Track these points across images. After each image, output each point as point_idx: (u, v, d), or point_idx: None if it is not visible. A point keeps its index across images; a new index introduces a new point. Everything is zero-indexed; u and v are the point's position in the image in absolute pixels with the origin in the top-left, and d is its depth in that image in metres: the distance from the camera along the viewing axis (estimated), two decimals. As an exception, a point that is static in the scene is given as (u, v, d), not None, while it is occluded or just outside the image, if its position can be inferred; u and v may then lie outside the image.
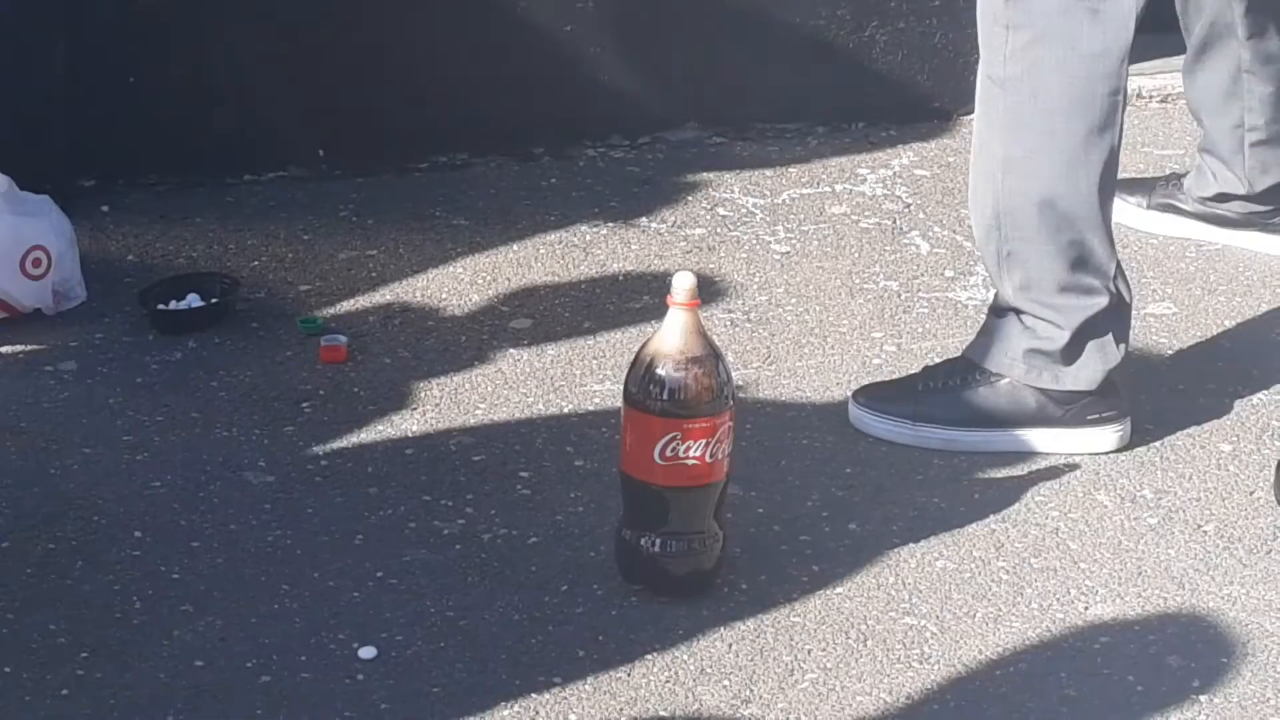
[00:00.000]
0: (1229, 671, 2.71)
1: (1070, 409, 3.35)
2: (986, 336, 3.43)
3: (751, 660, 2.68)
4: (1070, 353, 3.33)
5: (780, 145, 4.19)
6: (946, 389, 3.41)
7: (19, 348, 3.35)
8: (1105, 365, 3.33)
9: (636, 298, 3.51)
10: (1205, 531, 3.02)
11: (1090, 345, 3.33)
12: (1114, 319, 3.33)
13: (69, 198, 3.54)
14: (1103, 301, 3.29)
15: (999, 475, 3.17)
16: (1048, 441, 3.35)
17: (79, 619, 2.69)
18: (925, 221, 3.94)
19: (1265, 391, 3.31)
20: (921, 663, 2.69)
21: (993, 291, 3.40)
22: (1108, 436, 3.36)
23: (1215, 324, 3.65)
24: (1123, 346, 3.36)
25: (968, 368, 3.43)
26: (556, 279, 3.66)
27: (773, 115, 4.23)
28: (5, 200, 3.37)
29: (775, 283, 3.69)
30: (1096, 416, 3.34)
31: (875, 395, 3.45)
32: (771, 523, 2.99)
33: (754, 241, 3.83)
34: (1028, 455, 3.23)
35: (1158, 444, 3.25)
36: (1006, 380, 3.38)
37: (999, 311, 3.38)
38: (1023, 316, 3.33)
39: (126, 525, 2.91)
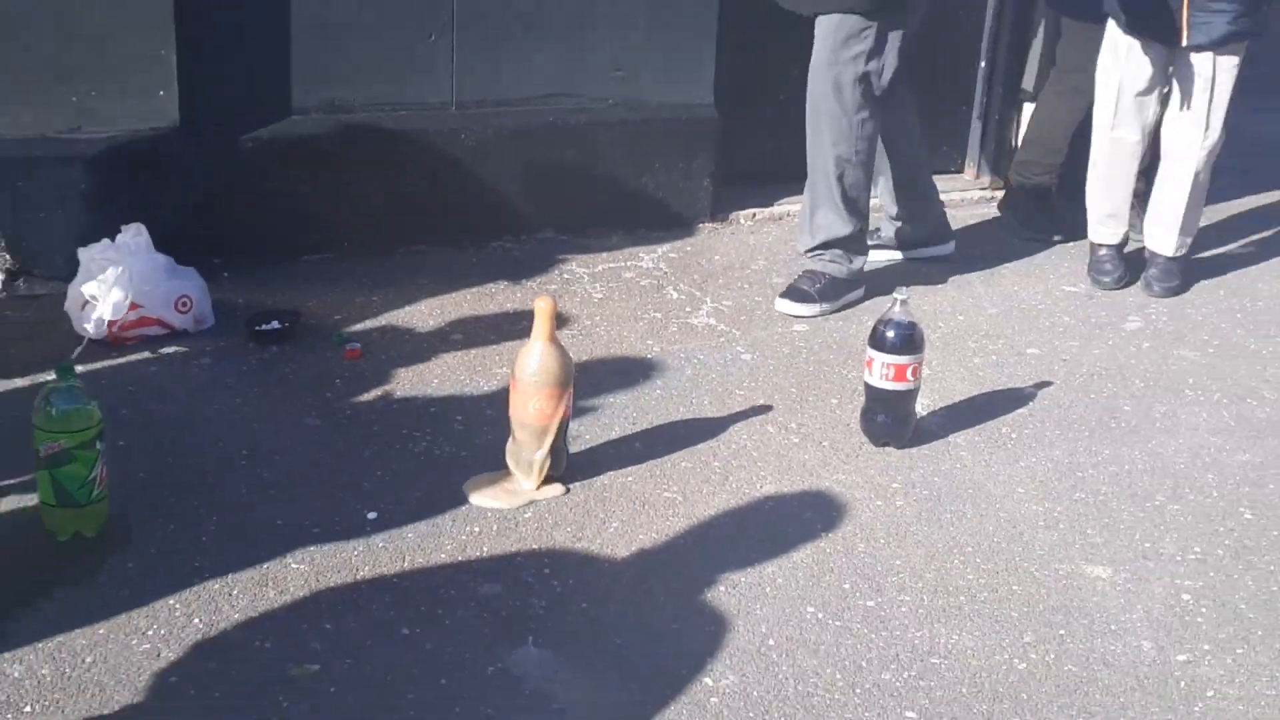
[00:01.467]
0: (838, 517, 2.76)
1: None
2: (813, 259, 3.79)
3: (581, 516, 2.71)
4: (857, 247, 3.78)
5: (598, 240, 4.15)
6: (822, 281, 3.73)
7: (179, 349, 3.29)
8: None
9: (520, 322, 3.43)
10: (824, 445, 3.06)
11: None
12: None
13: (205, 269, 3.49)
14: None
15: (716, 415, 3.15)
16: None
17: (212, 501, 2.69)
18: (675, 280, 3.92)
19: (856, 371, 3.28)
20: (674, 518, 2.72)
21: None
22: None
23: (843, 329, 3.65)
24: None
25: (816, 276, 3.74)
26: (476, 313, 3.62)
27: (593, 224, 4.19)
28: (166, 269, 3.34)
29: (594, 315, 3.66)
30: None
31: (793, 293, 3.71)
32: (590, 442, 2.98)
33: (583, 293, 3.80)
34: (729, 401, 3.21)
35: (798, 399, 3.27)
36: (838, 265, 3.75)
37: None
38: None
39: (239, 449, 2.88)
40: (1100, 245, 4.09)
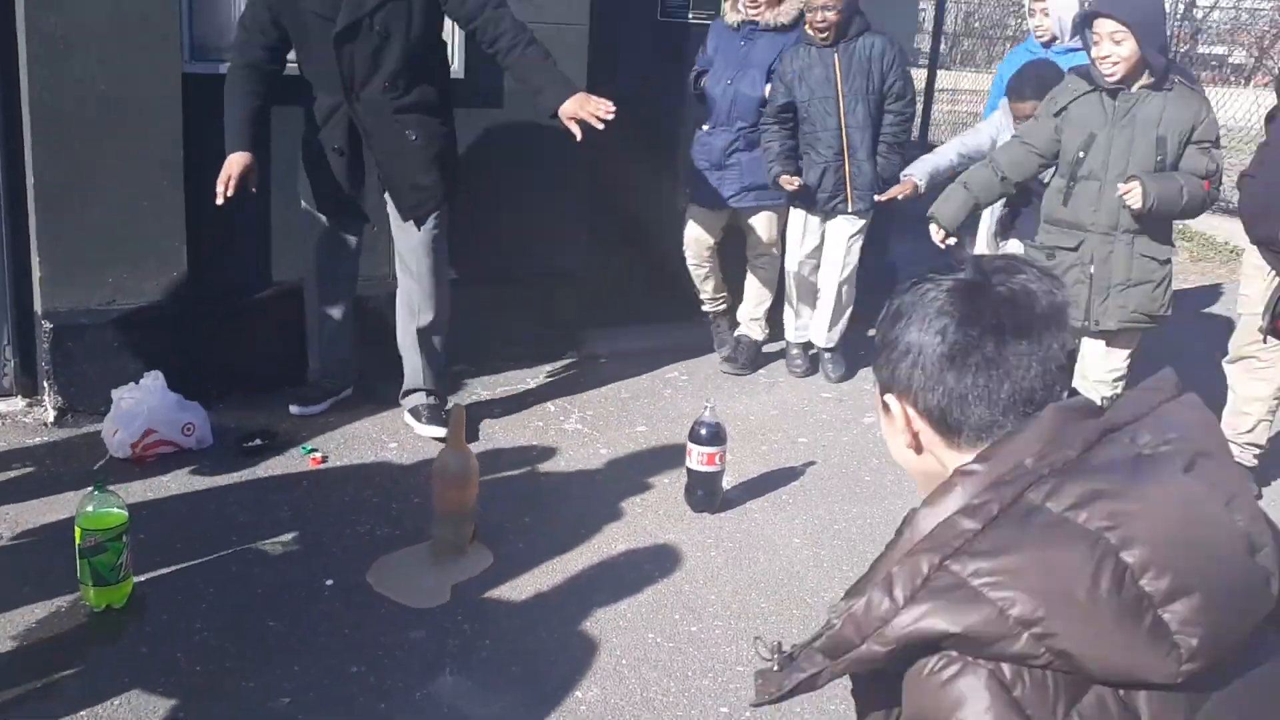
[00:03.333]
0: (670, 566, 2.76)
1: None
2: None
3: (484, 575, 2.65)
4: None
5: (496, 367, 4.04)
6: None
7: (185, 464, 3.20)
8: None
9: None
10: (659, 513, 3.03)
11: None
12: None
13: (206, 402, 3.40)
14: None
15: (582, 495, 3.12)
16: None
17: (209, 576, 2.59)
18: (552, 397, 3.85)
19: (680, 459, 3.20)
20: (553, 574, 2.70)
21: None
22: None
23: (668, 432, 3.67)
24: None
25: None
26: (409, 426, 3.54)
27: (493, 356, 4.04)
28: (177, 404, 3.27)
29: (493, 424, 3.59)
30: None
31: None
32: (490, 519, 2.92)
33: (485, 408, 3.73)
34: (592, 484, 3.18)
35: (640, 481, 3.23)
36: None
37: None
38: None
39: (229, 536, 2.79)
40: (792, 344, 4.30)
